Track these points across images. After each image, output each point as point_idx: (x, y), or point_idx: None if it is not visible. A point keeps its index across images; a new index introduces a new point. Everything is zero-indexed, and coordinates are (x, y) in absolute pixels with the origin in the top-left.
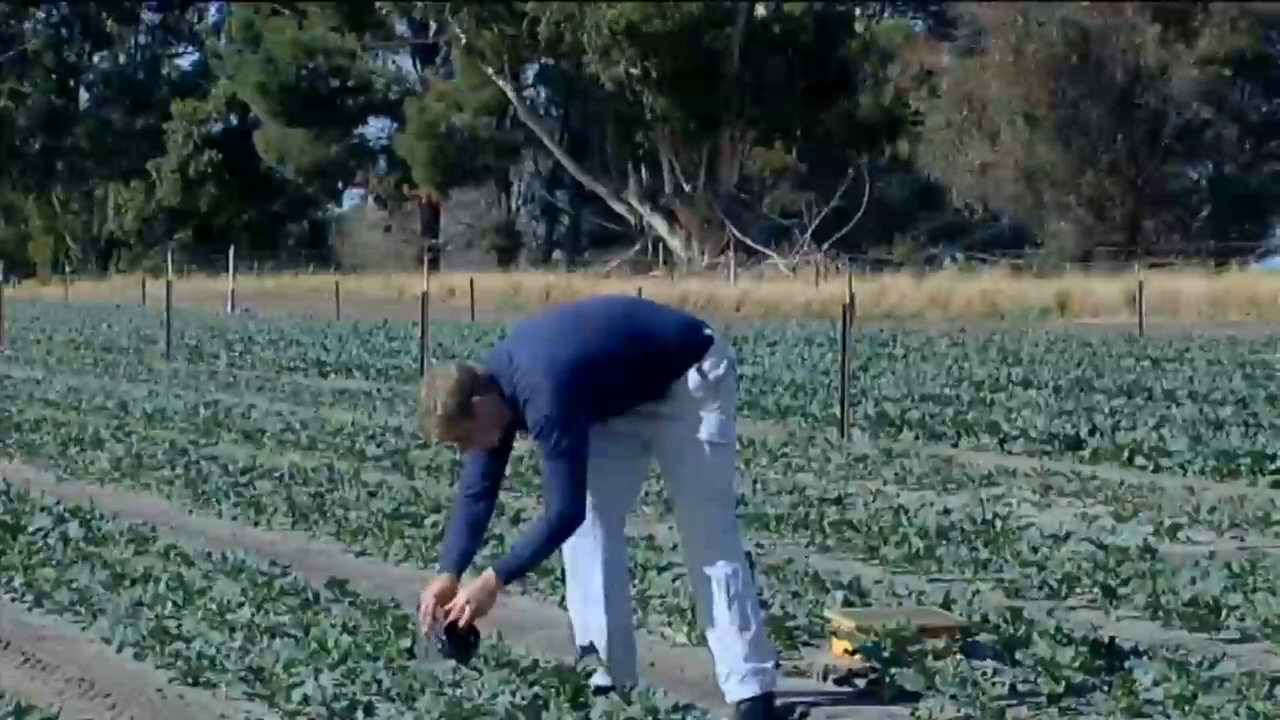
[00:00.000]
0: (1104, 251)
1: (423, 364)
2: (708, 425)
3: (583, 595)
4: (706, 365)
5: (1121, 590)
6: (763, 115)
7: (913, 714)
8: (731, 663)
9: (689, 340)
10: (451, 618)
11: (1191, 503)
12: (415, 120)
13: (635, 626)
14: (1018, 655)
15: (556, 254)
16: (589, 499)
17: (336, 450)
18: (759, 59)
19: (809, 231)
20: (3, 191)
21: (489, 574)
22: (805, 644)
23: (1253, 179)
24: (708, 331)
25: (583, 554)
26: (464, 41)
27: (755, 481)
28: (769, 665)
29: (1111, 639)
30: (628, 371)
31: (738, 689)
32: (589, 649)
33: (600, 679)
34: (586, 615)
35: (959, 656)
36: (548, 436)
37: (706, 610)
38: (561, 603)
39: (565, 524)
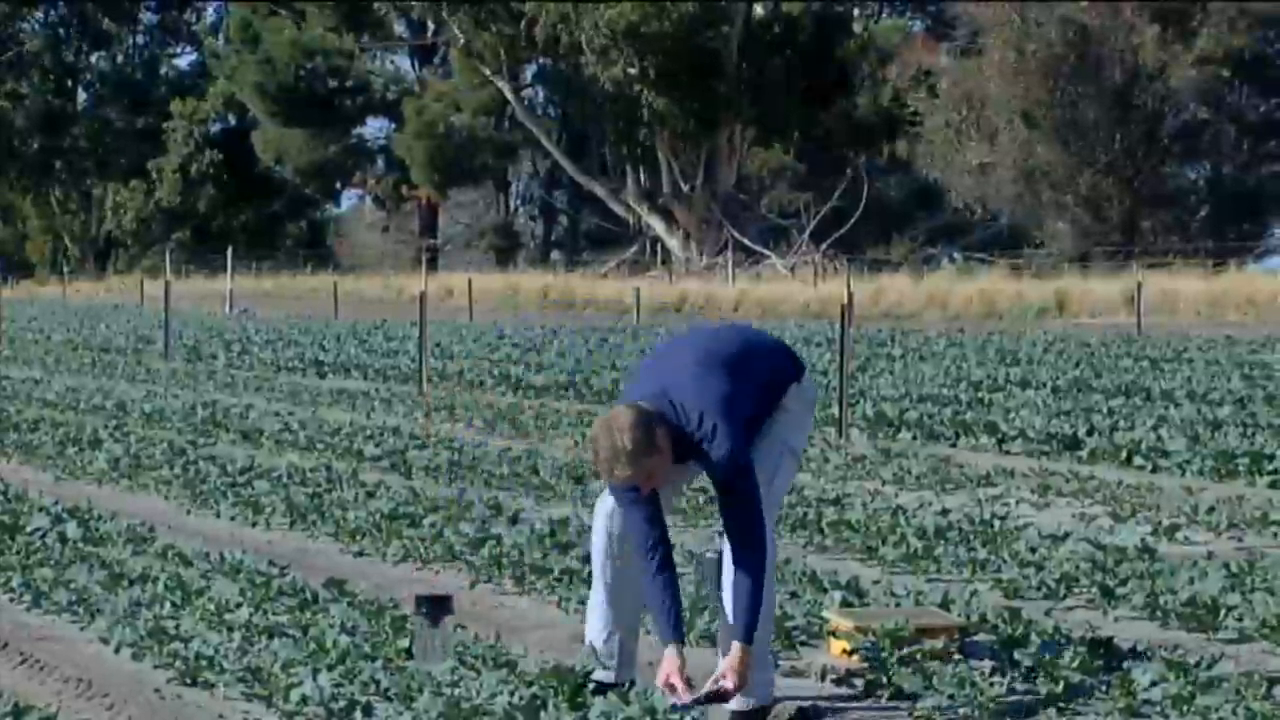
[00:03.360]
0: (1102, 251)
1: (421, 364)
2: (788, 432)
3: (609, 590)
4: (805, 382)
5: (1119, 590)
6: (761, 115)
7: (911, 714)
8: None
9: (796, 366)
10: (721, 689)
11: (1190, 503)
12: (413, 120)
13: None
14: (1016, 655)
15: (555, 254)
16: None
17: (335, 450)
18: (757, 59)
19: (807, 231)
20: (1, 191)
21: (740, 648)
22: (803, 644)
23: (1251, 179)
24: (797, 355)
25: (617, 547)
26: (462, 42)
27: None
28: (771, 675)
29: (1109, 639)
30: (759, 400)
31: (739, 699)
32: (603, 648)
33: (602, 675)
34: (610, 612)
35: (957, 657)
36: (735, 475)
37: (726, 614)
38: (560, 603)
39: (765, 558)
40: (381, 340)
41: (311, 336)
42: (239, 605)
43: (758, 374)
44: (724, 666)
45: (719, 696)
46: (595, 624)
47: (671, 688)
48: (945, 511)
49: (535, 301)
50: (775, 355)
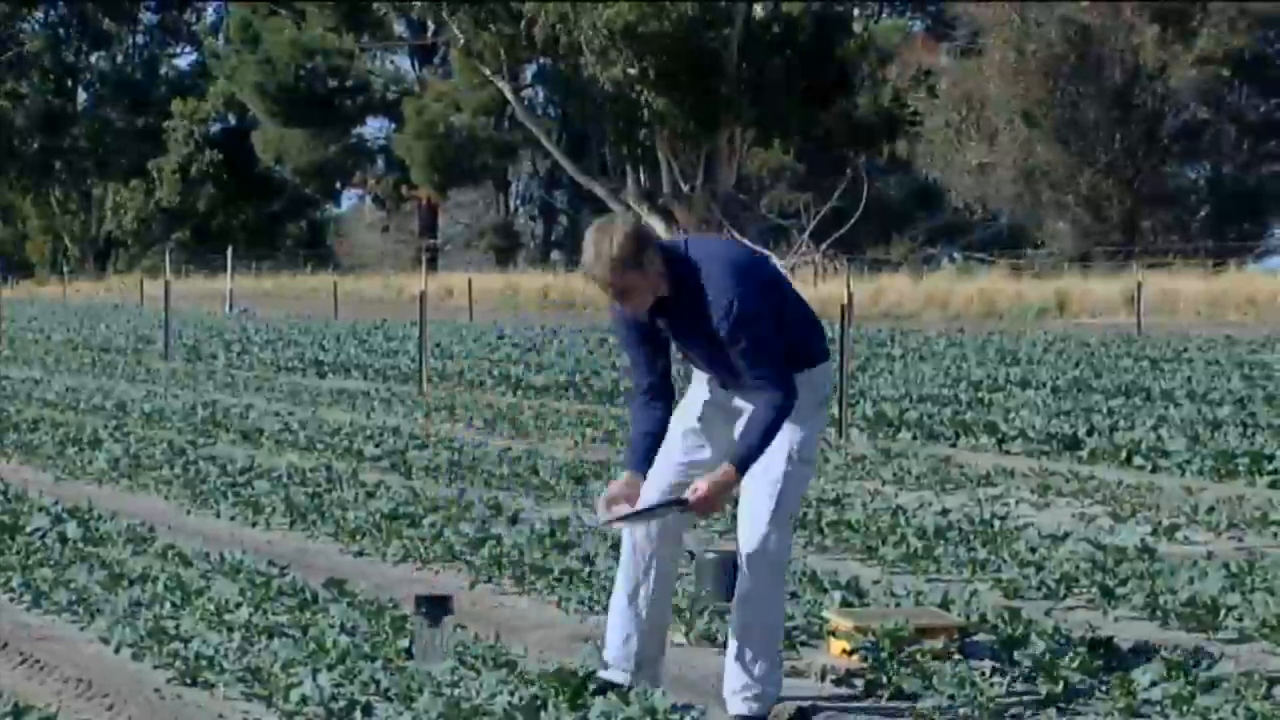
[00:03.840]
0: (1102, 251)
1: (421, 364)
2: (791, 431)
3: (629, 594)
4: (821, 370)
5: (1119, 590)
6: (761, 115)
7: (911, 714)
8: (743, 678)
9: (822, 347)
10: (688, 501)
11: (1189, 503)
12: (413, 120)
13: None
14: (1016, 655)
15: (555, 254)
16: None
17: (334, 450)
18: (757, 59)
19: (807, 232)
20: (1, 191)
21: (728, 468)
22: (803, 644)
23: (1251, 179)
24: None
25: (641, 555)
26: (462, 42)
27: None
28: (775, 689)
29: (1109, 639)
30: (781, 315)
31: (741, 704)
32: (620, 650)
33: (613, 676)
34: (629, 613)
35: (957, 657)
36: (742, 319)
37: (736, 621)
38: (560, 603)
39: (787, 403)
40: (381, 340)
41: (311, 336)
42: (239, 605)
43: (789, 302)
44: (705, 478)
45: (680, 504)
46: (615, 625)
47: (609, 505)
48: (945, 511)
49: (535, 301)
50: (811, 318)
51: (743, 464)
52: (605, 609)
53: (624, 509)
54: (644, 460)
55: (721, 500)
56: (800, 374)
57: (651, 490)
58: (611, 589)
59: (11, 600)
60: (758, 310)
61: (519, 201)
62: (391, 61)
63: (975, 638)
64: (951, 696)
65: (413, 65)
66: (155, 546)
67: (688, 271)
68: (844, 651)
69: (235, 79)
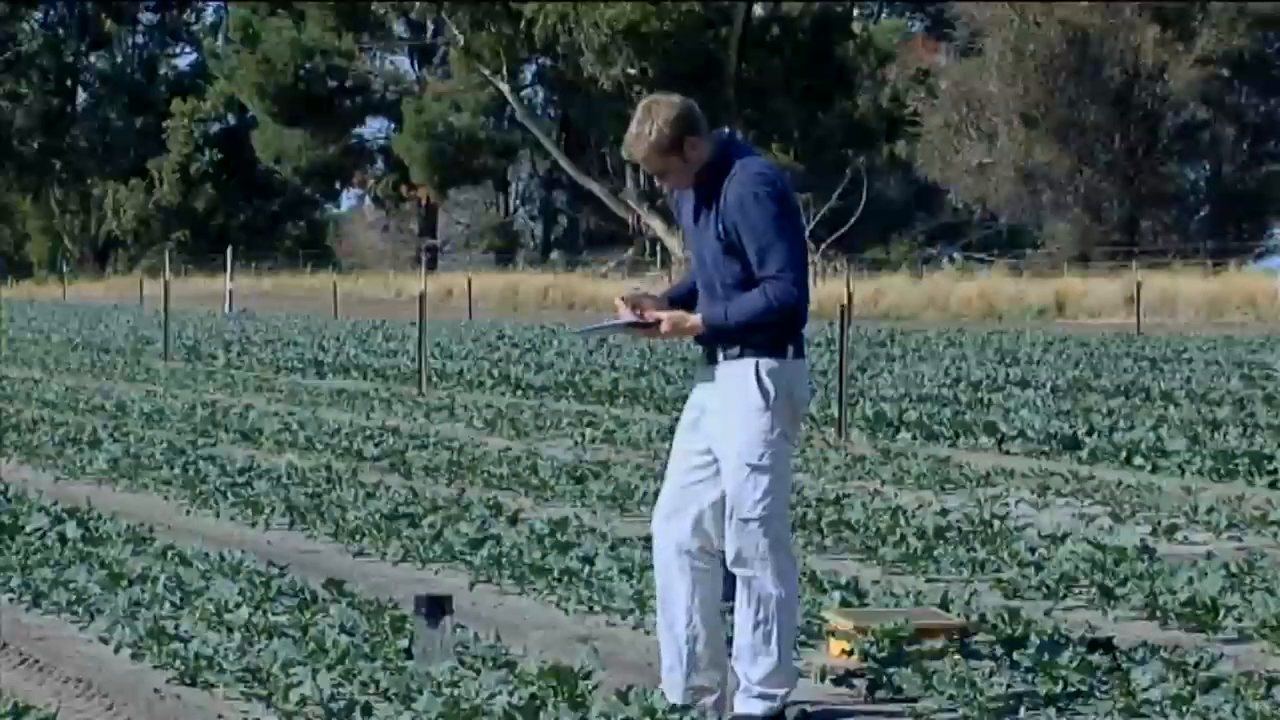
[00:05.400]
0: (1101, 252)
1: (420, 364)
2: (734, 444)
3: (672, 613)
4: (768, 370)
5: (1119, 590)
6: (760, 115)
7: (911, 715)
8: (745, 681)
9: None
10: (644, 320)
11: (1189, 503)
12: (413, 120)
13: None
14: (1015, 656)
15: (554, 254)
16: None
17: (334, 450)
18: (757, 59)
19: (807, 232)
20: (0, 191)
21: (697, 316)
22: (803, 644)
23: (1250, 179)
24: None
25: (671, 569)
26: (461, 42)
27: None
28: (781, 692)
29: (1109, 639)
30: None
31: (743, 704)
32: (667, 678)
33: (676, 699)
34: (667, 636)
35: (956, 657)
36: (763, 211)
37: (736, 623)
38: (560, 603)
39: (785, 305)
40: (381, 340)
41: (311, 336)
42: (238, 605)
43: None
44: (675, 313)
45: (643, 326)
46: (664, 654)
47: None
48: (945, 512)
49: (535, 301)
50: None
51: (709, 320)
52: (605, 609)
53: (606, 320)
54: (675, 289)
55: (677, 333)
56: (749, 361)
57: (671, 486)
58: (611, 589)
59: (11, 600)
60: (778, 212)
61: (519, 201)
62: (391, 61)
63: (975, 638)
64: (951, 696)
65: (412, 65)
66: (155, 546)
67: (725, 167)
68: (844, 652)
69: (235, 79)
